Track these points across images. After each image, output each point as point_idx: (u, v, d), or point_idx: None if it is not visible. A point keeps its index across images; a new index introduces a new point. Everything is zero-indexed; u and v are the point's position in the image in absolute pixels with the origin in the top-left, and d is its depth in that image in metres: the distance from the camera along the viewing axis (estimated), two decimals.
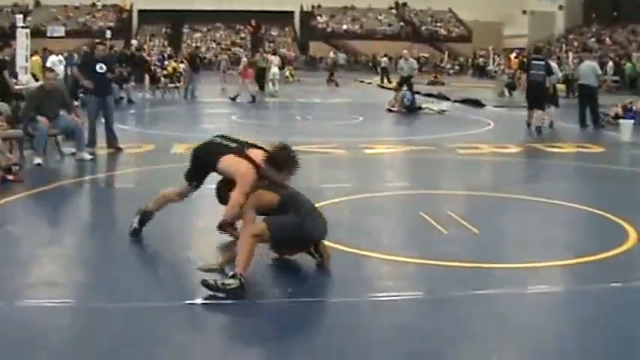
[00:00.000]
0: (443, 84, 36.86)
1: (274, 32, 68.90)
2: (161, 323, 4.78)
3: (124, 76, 20.92)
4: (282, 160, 5.59)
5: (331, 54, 42.23)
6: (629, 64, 35.13)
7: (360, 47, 62.54)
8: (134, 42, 32.16)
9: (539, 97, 15.98)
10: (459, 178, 10.72)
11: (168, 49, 46.73)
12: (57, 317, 4.85)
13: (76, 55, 27.08)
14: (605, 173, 11.20)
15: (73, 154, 11.20)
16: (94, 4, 66.50)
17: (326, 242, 5.87)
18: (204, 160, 6.11)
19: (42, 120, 10.67)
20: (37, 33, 38.47)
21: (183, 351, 4.38)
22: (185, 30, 68.15)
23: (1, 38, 23.20)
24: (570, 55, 38.95)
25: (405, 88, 21.65)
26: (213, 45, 64.63)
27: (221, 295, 5.01)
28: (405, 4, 70.55)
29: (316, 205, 5.96)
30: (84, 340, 4.53)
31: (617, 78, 34.14)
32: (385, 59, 41.75)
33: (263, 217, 5.58)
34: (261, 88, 29.28)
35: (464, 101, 24.24)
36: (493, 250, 6.68)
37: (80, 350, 4.40)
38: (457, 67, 56.82)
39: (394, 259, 6.17)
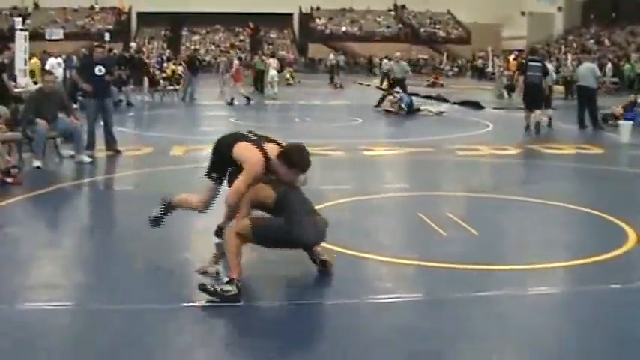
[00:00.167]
0: (442, 85, 36.91)
1: (273, 34, 68.93)
2: (160, 325, 4.77)
3: (122, 78, 20.94)
4: (295, 157, 5.53)
5: (331, 56, 42.18)
6: (627, 65, 35.16)
7: (358, 49, 62.56)
8: (133, 44, 32.19)
9: (536, 97, 16.13)
10: (458, 180, 10.72)
11: (167, 51, 46.70)
12: (57, 319, 4.84)
13: (75, 58, 27.11)
14: (605, 174, 11.20)
15: (72, 156, 11.20)
16: (92, 7, 66.50)
17: (326, 244, 5.86)
18: (223, 148, 5.97)
19: (41, 123, 10.67)
20: (35, 36, 38.52)
21: (182, 353, 4.38)
22: (184, 32, 68.18)
23: (0, 41, 23.22)
24: (569, 56, 38.96)
25: (399, 90, 21.71)
26: (212, 47, 64.65)
27: (219, 300, 5.01)
28: (403, 6, 70.59)
29: (316, 207, 5.94)
30: (84, 341, 4.53)
31: (616, 79, 34.17)
32: (386, 61, 41.71)
33: (250, 217, 5.52)
34: (260, 90, 29.38)
35: (463, 103, 24.24)
36: (492, 251, 6.68)
37: (80, 352, 4.40)
38: (456, 69, 56.85)
39: (393, 260, 6.17)
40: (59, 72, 20.71)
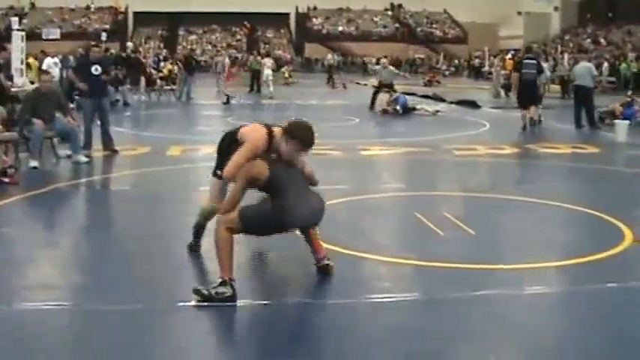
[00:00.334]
0: (439, 82, 36.98)
1: (270, 34, 68.96)
2: (157, 325, 4.78)
3: (119, 78, 20.91)
4: (297, 129, 5.38)
5: (329, 56, 42.14)
6: (624, 65, 35.20)
7: (355, 49, 62.60)
8: (130, 44, 32.12)
9: (532, 94, 16.45)
10: (455, 180, 10.72)
11: (164, 51, 46.69)
12: (53, 319, 4.84)
13: (71, 58, 27.06)
14: (601, 174, 11.22)
15: (69, 156, 11.19)
16: (88, 7, 66.45)
17: (324, 244, 5.85)
18: (228, 141, 5.83)
19: (37, 122, 10.66)
20: (32, 35, 38.45)
21: (179, 353, 4.38)
22: (181, 32, 68.16)
23: None
24: (566, 55, 39.01)
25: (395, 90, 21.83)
26: (209, 47, 64.62)
27: (214, 302, 4.99)
28: (400, 6, 70.63)
29: None
30: (81, 342, 4.53)
31: (612, 79, 34.21)
32: (385, 60, 41.61)
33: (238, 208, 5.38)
34: (257, 90, 29.39)
35: (460, 102, 24.26)
36: (489, 251, 6.69)
37: (77, 352, 4.40)
38: (453, 69, 56.87)
39: (391, 260, 6.18)
40: (56, 72, 20.67)
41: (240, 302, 5.01)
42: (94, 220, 8.18)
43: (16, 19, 24.33)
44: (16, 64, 18.80)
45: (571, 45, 52.39)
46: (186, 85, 25.14)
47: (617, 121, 15.86)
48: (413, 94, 26.03)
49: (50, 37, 48.83)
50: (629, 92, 19.85)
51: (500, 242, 7.19)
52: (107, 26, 60.47)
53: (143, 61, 26.92)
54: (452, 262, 6.04)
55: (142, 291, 5.40)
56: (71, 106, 13.93)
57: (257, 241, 6.00)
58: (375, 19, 69.28)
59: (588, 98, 17.15)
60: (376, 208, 8.63)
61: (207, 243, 6.30)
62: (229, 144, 5.73)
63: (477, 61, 52.70)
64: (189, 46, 56.18)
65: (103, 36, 44.49)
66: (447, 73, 53.12)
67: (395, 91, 21.75)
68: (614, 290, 5.47)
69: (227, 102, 23.76)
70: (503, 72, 29.14)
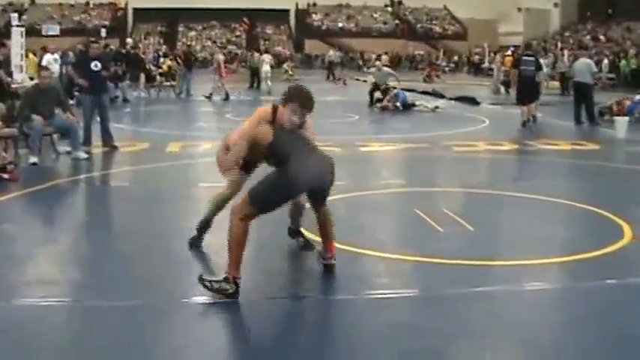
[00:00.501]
0: (438, 77, 36.98)
1: (269, 30, 68.82)
2: (157, 322, 4.78)
3: (119, 74, 20.90)
4: (294, 90, 5.41)
5: (330, 52, 42.06)
6: (623, 62, 35.17)
7: (355, 45, 62.52)
8: (129, 40, 32.06)
9: (531, 90, 16.57)
10: (454, 176, 10.73)
11: (164, 47, 46.62)
12: (53, 316, 4.84)
13: (71, 54, 27.03)
14: (601, 170, 11.23)
15: (69, 152, 11.19)
16: (87, 3, 66.38)
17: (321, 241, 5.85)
18: None
19: (37, 119, 10.66)
20: (32, 32, 38.37)
21: (179, 350, 4.38)
22: (180, 28, 68.05)
23: None
24: (565, 52, 38.97)
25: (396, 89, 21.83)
26: (209, 43, 64.56)
27: (216, 295, 5.00)
28: (400, 2, 70.53)
29: None
30: (80, 338, 4.53)
31: (612, 75, 34.19)
32: (385, 57, 41.52)
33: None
34: (257, 87, 29.38)
35: (459, 99, 24.25)
36: (489, 247, 6.69)
37: (76, 349, 4.40)
38: (452, 65, 56.82)
39: (390, 256, 6.18)
40: (55, 68, 20.64)
41: (239, 299, 5.01)
42: (94, 216, 8.17)
43: (16, 15, 24.32)
44: (15, 60, 18.79)
45: (571, 41, 52.34)
46: (185, 81, 25.13)
47: (616, 117, 15.88)
48: (412, 90, 25.99)
49: (50, 33, 48.72)
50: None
51: (499, 238, 7.19)
52: (107, 22, 60.35)
53: (142, 57, 26.91)
54: (451, 258, 6.04)
55: (142, 287, 5.41)
56: (71, 102, 13.92)
57: (254, 236, 6.00)
58: (375, 15, 69.19)
59: (588, 95, 17.15)
60: (375, 204, 8.63)
61: (208, 238, 6.31)
62: None
63: (476, 57, 52.64)
64: (188, 43, 56.18)
65: (103, 32, 44.44)
66: (446, 69, 53.08)
67: (394, 88, 21.72)
68: (613, 287, 5.48)
69: (226, 98, 23.74)
70: (503, 68, 29.12)
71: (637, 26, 50.36)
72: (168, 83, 25.65)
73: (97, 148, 11.97)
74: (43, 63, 19.51)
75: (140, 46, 39.54)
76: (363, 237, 6.80)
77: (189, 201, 8.52)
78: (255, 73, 30.10)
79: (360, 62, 52.70)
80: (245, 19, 62.88)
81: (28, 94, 11.31)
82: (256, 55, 31.74)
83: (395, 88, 21.75)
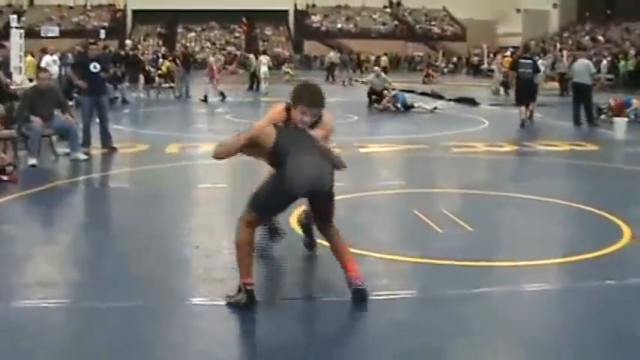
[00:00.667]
0: (433, 77, 37.02)
1: (268, 31, 68.88)
2: (156, 323, 4.78)
3: (118, 76, 20.91)
4: (300, 88, 5.34)
5: (331, 54, 42.05)
6: (623, 62, 35.19)
7: (354, 46, 62.55)
8: (128, 42, 32.11)
9: (530, 91, 16.90)
10: (453, 177, 10.73)
11: (163, 48, 46.67)
12: (52, 317, 4.84)
13: (70, 55, 27.04)
14: (600, 171, 11.24)
15: (68, 154, 11.19)
16: (86, 5, 66.40)
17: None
18: None
19: (36, 120, 10.66)
20: (31, 33, 38.42)
21: (179, 350, 4.39)
22: (179, 30, 68.10)
23: None
24: (564, 53, 39.00)
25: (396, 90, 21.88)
26: (208, 44, 64.59)
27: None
28: (399, 3, 70.63)
29: None
30: (80, 339, 4.53)
31: (611, 76, 34.21)
32: (385, 58, 41.61)
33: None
34: (256, 88, 29.41)
35: (458, 100, 24.26)
36: (488, 247, 6.69)
37: (75, 350, 4.39)
38: (451, 66, 56.84)
39: (389, 257, 6.18)
40: (54, 69, 20.65)
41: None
42: (93, 217, 8.17)
43: (15, 16, 24.33)
44: (14, 61, 18.80)
45: (570, 42, 52.42)
46: (184, 82, 25.15)
47: (615, 118, 15.91)
48: (412, 91, 26.01)
49: (49, 34, 48.79)
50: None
51: (498, 239, 7.19)
52: (106, 24, 60.44)
53: (142, 58, 26.92)
54: (450, 259, 6.04)
55: (142, 288, 5.40)
56: (70, 103, 13.92)
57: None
58: (374, 16, 69.26)
59: (587, 96, 17.18)
60: (375, 205, 8.63)
61: (208, 240, 6.31)
62: None
63: (475, 58, 52.66)
64: (187, 44, 56.20)
65: (102, 33, 44.50)
66: (445, 70, 53.11)
67: (392, 90, 21.74)
68: (612, 287, 5.48)
69: (222, 99, 23.76)
70: (502, 69, 29.13)
71: (636, 27, 50.43)
72: (167, 85, 25.67)
73: (96, 149, 11.97)
74: (42, 64, 19.56)
75: (139, 47, 39.57)
76: (363, 238, 6.79)
77: (188, 202, 8.53)
78: (254, 74, 30.15)
79: (357, 62, 52.73)
80: (244, 20, 62.97)
81: (27, 95, 11.31)
82: (252, 57, 31.82)
83: (394, 89, 21.77)
